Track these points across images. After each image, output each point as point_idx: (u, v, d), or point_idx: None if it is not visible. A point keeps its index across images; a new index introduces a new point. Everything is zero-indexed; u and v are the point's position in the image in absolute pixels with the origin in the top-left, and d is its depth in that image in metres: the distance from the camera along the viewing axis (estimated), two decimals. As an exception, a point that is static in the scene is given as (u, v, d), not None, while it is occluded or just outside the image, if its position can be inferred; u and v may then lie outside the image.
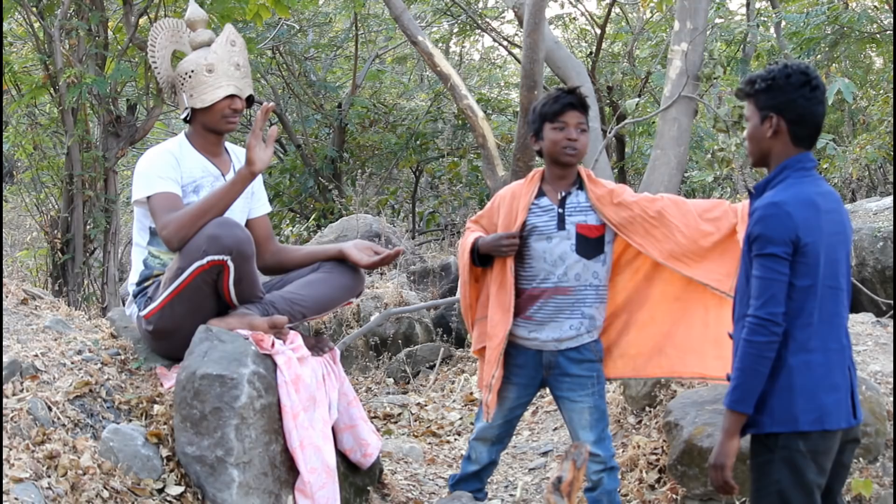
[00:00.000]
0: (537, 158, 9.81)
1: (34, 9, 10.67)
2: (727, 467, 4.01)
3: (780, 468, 3.97)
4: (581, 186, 5.24)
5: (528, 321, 5.21)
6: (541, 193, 5.23)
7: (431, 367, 9.92)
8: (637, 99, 13.06)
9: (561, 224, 5.16)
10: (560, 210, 5.18)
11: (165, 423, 4.98)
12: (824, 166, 13.34)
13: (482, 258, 5.26)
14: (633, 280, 5.35)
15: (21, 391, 4.81)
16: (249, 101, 5.60)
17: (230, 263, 5.01)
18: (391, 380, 9.81)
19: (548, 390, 5.54)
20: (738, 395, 3.96)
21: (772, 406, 3.96)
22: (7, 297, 5.98)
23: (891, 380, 6.25)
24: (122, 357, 5.45)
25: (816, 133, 4.06)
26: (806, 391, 3.91)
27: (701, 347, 5.19)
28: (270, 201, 15.97)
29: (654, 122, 13.52)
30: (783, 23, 15.36)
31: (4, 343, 5.15)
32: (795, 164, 4.02)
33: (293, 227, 14.90)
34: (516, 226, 5.17)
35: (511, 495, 6.57)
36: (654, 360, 5.32)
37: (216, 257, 4.98)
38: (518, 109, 11.12)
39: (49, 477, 4.37)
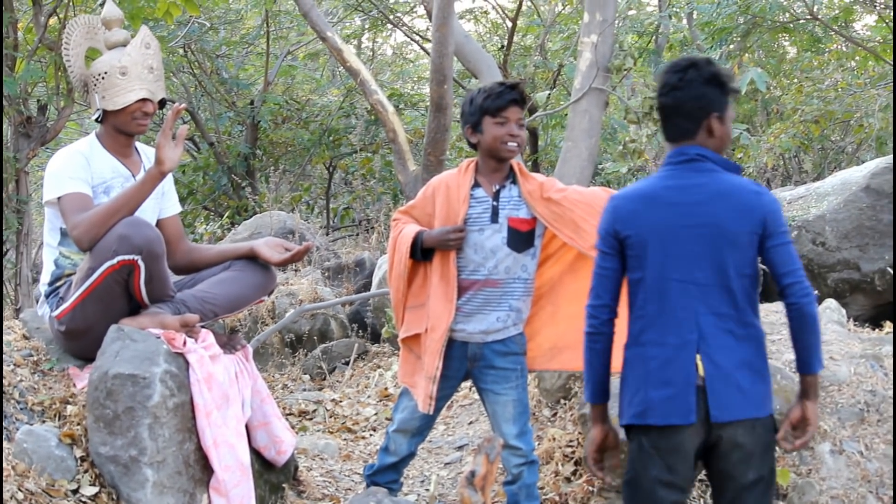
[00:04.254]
0: (448, 153, 9.92)
1: (-59, 10, 10.58)
2: (589, 455, 4.15)
3: (630, 459, 4.05)
4: (514, 180, 5.26)
5: (456, 312, 5.21)
6: (476, 184, 5.25)
7: (347, 363, 9.93)
8: (548, 91, 13.15)
9: (494, 217, 5.19)
10: (494, 203, 5.21)
11: (79, 424, 4.98)
12: (738, 156, 13.45)
13: (423, 252, 5.26)
14: (559, 270, 5.39)
15: (-68, 394, 4.79)
16: (162, 103, 5.60)
17: (140, 263, 5.02)
18: (307, 376, 9.81)
19: (465, 384, 5.55)
20: (585, 386, 4.10)
21: (619, 398, 4.04)
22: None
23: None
24: (35, 358, 5.43)
25: (683, 123, 3.99)
26: (634, 384, 3.97)
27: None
28: (184, 199, 16.01)
29: (566, 115, 13.62)
30: (695, 13, 15.47)
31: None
32: (666, 160, 4.07)
33: (207, 225, 14.85)
34: (460, 218, 5.18)
35: (426, 489, 6.60)
36: (579, 352, 5.33)
37: (126, 257, 4.98)
38: (430, 104, 11.15)
39: (-38, 480, 4.36)
